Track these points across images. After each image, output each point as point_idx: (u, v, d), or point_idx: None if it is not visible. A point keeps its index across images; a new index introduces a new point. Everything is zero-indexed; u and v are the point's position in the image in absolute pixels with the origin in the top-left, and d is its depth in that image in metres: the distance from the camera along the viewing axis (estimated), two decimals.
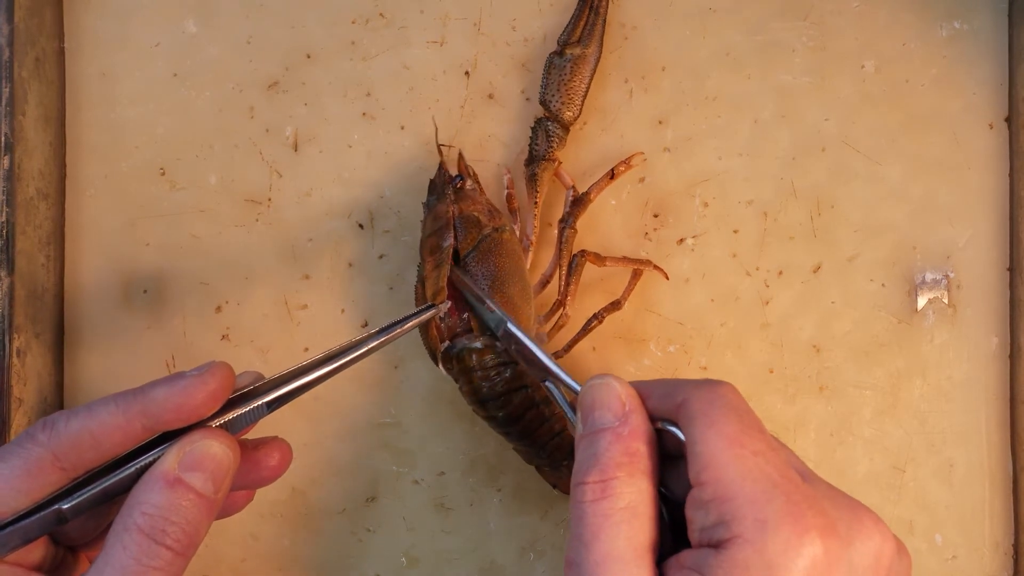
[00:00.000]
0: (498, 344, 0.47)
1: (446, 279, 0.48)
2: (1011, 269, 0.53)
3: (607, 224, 0.53)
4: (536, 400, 0.49)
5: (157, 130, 0.55)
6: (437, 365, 0.49)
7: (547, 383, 0.43)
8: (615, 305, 0.51)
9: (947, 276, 0.53)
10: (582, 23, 0.52)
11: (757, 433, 0.34)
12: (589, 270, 0.51)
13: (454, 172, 0.51)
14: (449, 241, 0.49)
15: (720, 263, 0.53)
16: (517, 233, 0.51)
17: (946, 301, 0.53)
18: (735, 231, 0.53)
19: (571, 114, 0.52)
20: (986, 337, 0.53)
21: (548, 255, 0.52)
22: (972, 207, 0.53)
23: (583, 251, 0.51)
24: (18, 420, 0.50)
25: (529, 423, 0.49)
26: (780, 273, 0.53)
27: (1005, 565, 0.53)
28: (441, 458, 0.54)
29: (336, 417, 0.54)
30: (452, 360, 0.49)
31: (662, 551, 0.35)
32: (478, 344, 0.48)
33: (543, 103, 0.52)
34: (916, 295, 0.53)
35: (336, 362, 0.40)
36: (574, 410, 0.39)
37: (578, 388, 0.40)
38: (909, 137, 0.53)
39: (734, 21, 0.54)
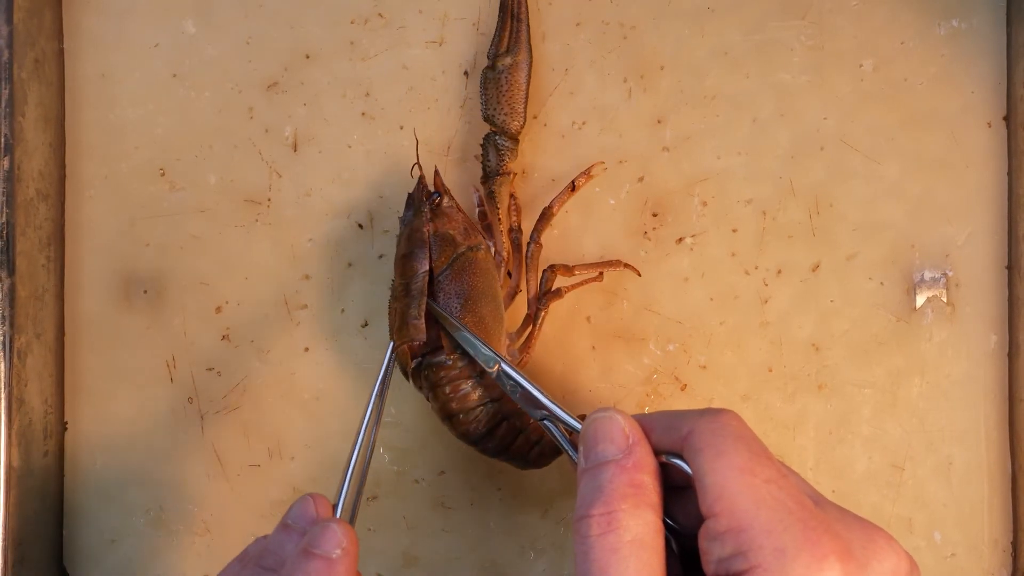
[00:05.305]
0: (461, 361, 0.47)
1: (424, 314, 0.47)
2: (1009, 267, 0.53)
3: (606, 223, 0.53)
4: (507, 413, 0.48)
5: (156, 131, 0.55)
6: (408, 380, 0.49)
7: (545, 422, 0.43)
8: (557, 294, 0.51)
9: (946, 274, 0.53)
10: (507, 33, 0.52)
11: (766, 460, 0.34)
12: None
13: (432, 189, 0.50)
14: (424, 267, 0.48)
15: (719, 262, 0.53)
16: (493, 251, 0.51)
17: (945, 299, 0.53)
18: (734, 230, 0.53)
19: (517, 125, 0.51)
20: (985, 335, 0.53)
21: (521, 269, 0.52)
22: (971, 206, 0.53)
23: (552, 266, 0.50)
24: (19, 421, 0.50)
25: (503, 437, 0.48)
26: (779, 272, 0.53)
27: (1004, 562, 0.53)
28: (441, 457, 0.54)
29: (336, 417, 0.54)
30: (421, 377, 0.48)
31: None
32: (443, 359, 0.48)
33: (487, 119, 0.52)
34: (915, 293, 0.53)
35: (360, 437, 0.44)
36: (575, 448, 0.38)
37: (578, 426, 0.39)
38: (908, 136, 0.53)
39: (732, 20, 0.54)
